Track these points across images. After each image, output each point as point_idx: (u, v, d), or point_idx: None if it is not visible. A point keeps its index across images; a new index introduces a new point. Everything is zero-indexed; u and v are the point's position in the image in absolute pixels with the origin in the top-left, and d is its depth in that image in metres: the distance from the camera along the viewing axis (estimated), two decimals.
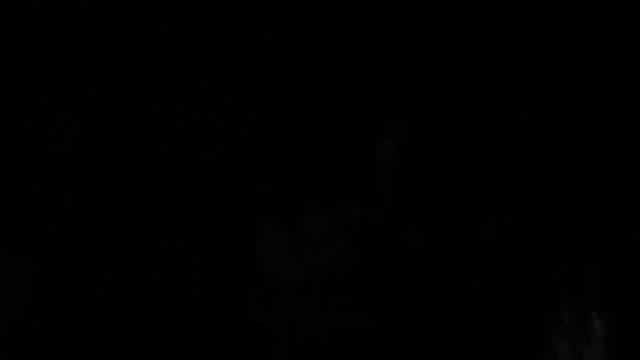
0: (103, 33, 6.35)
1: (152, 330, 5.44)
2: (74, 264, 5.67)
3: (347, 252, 5.69)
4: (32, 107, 6.26)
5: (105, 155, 6.18)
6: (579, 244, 5.66)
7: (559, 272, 5.35)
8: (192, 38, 6.49)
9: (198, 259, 5.81)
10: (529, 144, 6.19)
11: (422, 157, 6.17)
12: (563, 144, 6.18)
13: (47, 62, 6.34)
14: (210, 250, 5.85)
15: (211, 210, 6.02)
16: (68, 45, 6.40)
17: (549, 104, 6.31)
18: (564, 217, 5.78)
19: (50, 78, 6.31)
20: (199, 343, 5.48)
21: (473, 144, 6.24)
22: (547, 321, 5.19)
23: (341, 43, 6.37)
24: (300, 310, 5.60)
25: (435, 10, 6.49)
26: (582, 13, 6.44)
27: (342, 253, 5.69)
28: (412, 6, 6.49)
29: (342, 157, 6.24)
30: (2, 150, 5.95)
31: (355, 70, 6.39)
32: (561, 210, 5.82)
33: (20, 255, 4.92)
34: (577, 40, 6.36)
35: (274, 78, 6.37)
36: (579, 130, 6.19)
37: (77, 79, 6.38)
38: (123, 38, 6.43)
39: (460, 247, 5.78)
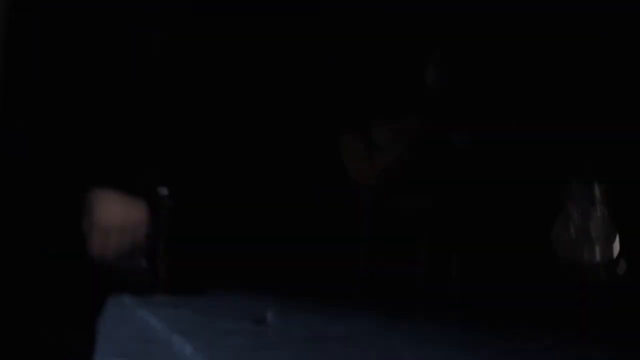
0: None
1: None
2: None
3: (407, 154, 7.17)
4: None
5: None
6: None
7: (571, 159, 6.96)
8: None
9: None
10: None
11: (461, 75, 7.30)
12: None
13: None
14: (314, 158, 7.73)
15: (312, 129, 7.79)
16: None
17: None
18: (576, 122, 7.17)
19: None
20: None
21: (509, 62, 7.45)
22: (563, 192, 6.89)
23: None
24: (375, 197, 7.27)
25: None
26: None
27: (403, 155, 7.16)
28: None
29: (397, 79, 7.46)
30: None
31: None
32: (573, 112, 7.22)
33: None
34: None
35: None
36: None
37: None
38: None
39: (495, 144, 7.18)
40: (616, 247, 6.82)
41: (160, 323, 5.91)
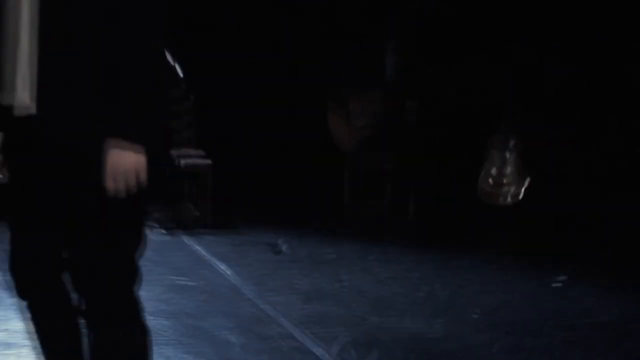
0: None
1: None
2: None
3: (374, 121, 8.15)
4: None
5: None
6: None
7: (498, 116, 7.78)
8: None
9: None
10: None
11: (411, 63, 8.29)
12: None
13: None
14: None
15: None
16: None
17: None
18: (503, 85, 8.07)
19: None
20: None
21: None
22: (489, 141, 7.71)
23: None
24: (353, 154, 8.20)
25: None
26: None
27: (371, 122, 8.18)
28: None
29: (366, 65, 8.44)
30: None
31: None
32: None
33: None
34: None
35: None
36: None
37: None
38: None
39: (435, 109, 8.11)
40: (523, 190, 7.61)
41: (205, 250, 6.74)
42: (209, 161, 7.75)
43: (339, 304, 5.26)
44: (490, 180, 7.63)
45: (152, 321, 4.21)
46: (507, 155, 7.64)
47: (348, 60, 8.59)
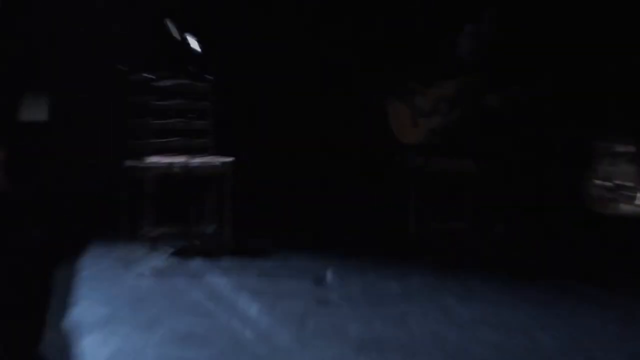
0: None
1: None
2: None
3: (447, 118, 7.30)
4: None
5: None
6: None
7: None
8: None
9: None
10: None
11: (489, 46, 7.49)
12: None
13: None
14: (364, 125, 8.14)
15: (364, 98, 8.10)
16: None
17: None
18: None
19: None
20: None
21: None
22: (592, 153, 6.97)
23: None
24: (421, 158, 7.32)
25: None
26: None
27: (443, 118, 7.30)
28: None
29: (437, 53, 7.65)
30: None
31: None
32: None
33: None
34: None
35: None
36: None
37: None
38: None
39: (521, 105, 7.18)
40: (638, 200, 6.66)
41: (228, 284, 5.72)
42: (228, 159, 6.44)
43: (406, 357, 4.29)
44: (600, 182, 6.82)
45: None
46: (617, 165, 6.83)
47: (412, 49, 7.80)
